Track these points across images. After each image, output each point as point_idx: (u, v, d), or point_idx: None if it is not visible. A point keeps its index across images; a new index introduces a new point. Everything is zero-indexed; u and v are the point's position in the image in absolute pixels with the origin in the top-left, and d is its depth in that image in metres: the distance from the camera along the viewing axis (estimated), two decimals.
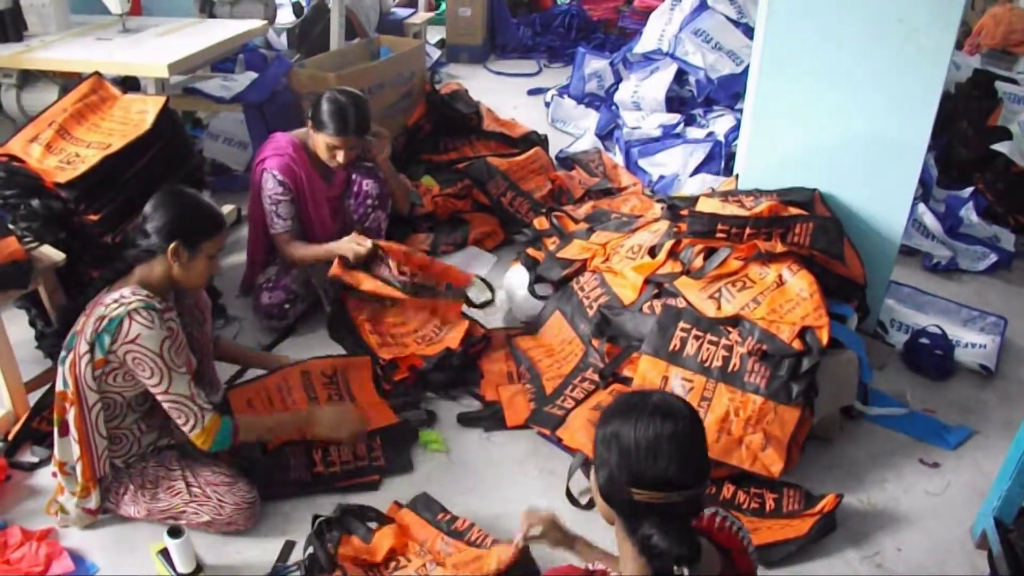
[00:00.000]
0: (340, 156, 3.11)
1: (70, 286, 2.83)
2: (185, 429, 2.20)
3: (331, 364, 2.83)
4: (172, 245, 2.18)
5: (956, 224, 4.14)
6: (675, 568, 1.38)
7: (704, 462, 1.47)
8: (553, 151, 4.80)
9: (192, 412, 2.18)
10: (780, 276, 2.66)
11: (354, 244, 3.05)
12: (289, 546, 2.30)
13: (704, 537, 1.53)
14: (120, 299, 2.12)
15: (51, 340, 2.85)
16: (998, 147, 4.36)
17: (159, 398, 2.17)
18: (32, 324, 2.98)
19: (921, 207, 4.06)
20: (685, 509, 1.43)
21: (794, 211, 2.75)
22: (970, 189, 4.33)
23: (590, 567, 1.49)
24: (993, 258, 3.93)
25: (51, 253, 2.69)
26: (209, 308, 2.62)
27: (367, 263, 3.05)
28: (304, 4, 6.19)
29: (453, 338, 2.98)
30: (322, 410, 2.58)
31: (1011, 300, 3.70)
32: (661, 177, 4.42)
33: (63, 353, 2.21)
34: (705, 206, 2.77)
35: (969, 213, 4.16)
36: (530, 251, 3.35)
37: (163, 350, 2.11)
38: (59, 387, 2.22)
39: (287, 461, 2.54)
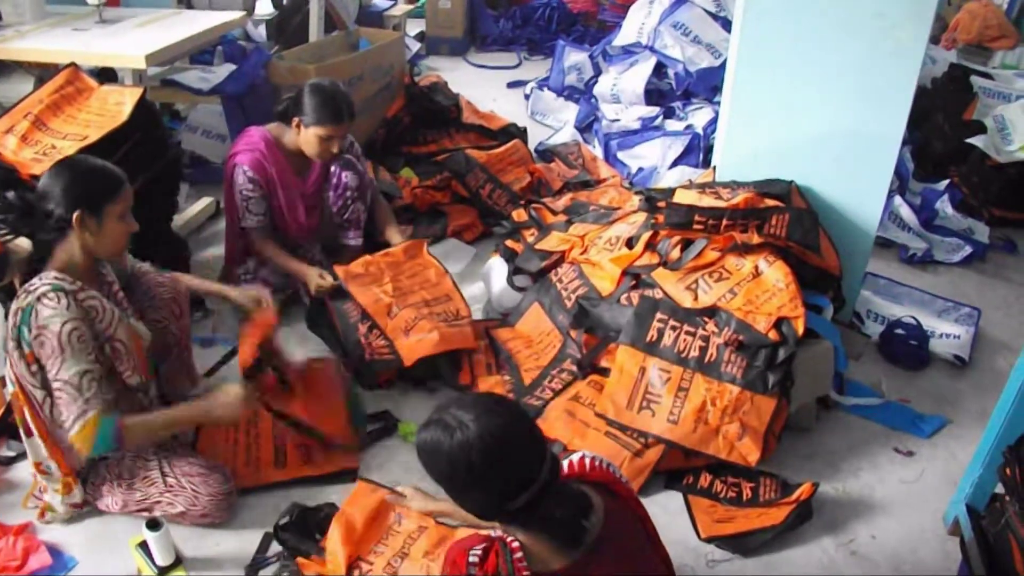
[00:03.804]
0: (334, 146, 3.08)
1: None
2: (66, 427, 2.08)
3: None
4: (75, 216, 2.08)
5: (932, 216, 4.18)
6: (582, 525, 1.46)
7: (535, 431, 1.51)
8: (532, 143, 4.81)
9: (74, 404, 2.06)
10: (756, 267, 2.68)
11: (318, 277, 3.05)
12: (268, 538, 2.29)
13: (580, 482, 1.58)
14: (29, 287, 2.08)
15: None
16: (973, 141, 4.41)
17: (52, 387, 2.08)
18: (7, 318, 2.96)
19: (897, 199, 4.10)
20: (552, 476, 1.46)
21: (771, 203, 2.77)
22: (945, 182, 4.39)
23: (491, 534, 1.52)
24: (968, 250, 3.98)
25: (26, 245, 2.67)
26: (187, 300, 2.59)
27: (332, 296, 3.04)
28: None
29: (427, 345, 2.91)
30: (214, 396, 2.35)
31: (985, 291, 3.74)
32: (640, 169, 4.43)
33: (5, 356, 2.17)
34: (682, 198, 2.78)
35: (944, 206, 4.20)
36: (509, 243, 3.36)
37: (62, 332, 2.03)
38: (8, 389, 2.20)
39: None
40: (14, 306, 2.09)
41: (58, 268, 2.12)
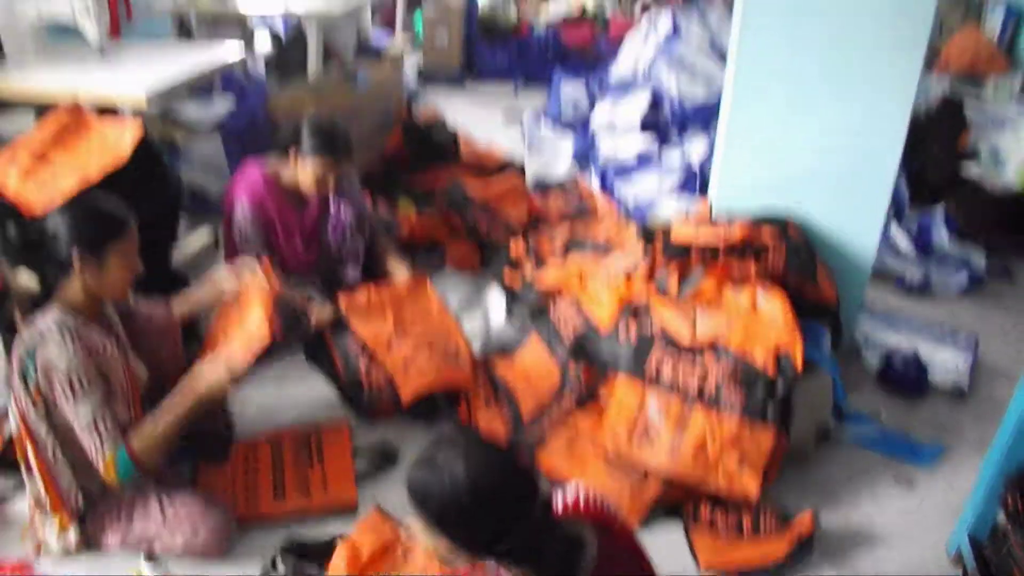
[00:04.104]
0: (330, 180, 3.11)
1: None
2: (96, 464, 2.12)
3: (306, 432, 2.83)
4: (79, 258, 2.10)
5: (928, 244, 4.19)
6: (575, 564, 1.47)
7: (525, 470, 1.52)
8: (529, 175, 4.83)
9: (94, 445, 2.09)
10: (754, 300, 2.69)
11: (318, 311, 3.04)
12: (271, 564, 2.29)
13: (575, 521, 1.59)
14: (35, 326, 2.10)
15: None
16: (967, 169, 4.43)
17: (74, 426, 2.11)
18: (6, 349, 2.96)
19: (894, 228, 4.11)
20: (544, 516, 1.47)
21: (767, 235, 2.79)
22: (941, 210, 4.39)
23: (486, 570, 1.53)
24: (965, 278, 3.99)
25: (27, 280, 2.68)
26: (179, 331, 2.60)
27: (332, 328, 3.03)
28: (282, 31, 6.21)
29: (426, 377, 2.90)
30: (200, 366, 2.32)
31: (983, 319, 3.75)
32: (637, 201, 4.45)
33: (9, 392, 2.18)
34: (679, 231, 2.80)
35: (940, 234, 4.21)
36: (507, 275, 3.37)
37: (71, 371, 2.05)
38: (12, 427, 2.20)
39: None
40: (20, 342, 2.11)
41: (62, 305, 2.14)
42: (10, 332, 2.84)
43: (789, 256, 2.77)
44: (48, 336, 2.06)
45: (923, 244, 4.18)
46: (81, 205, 2.20)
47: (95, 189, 2.78)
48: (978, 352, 3.42)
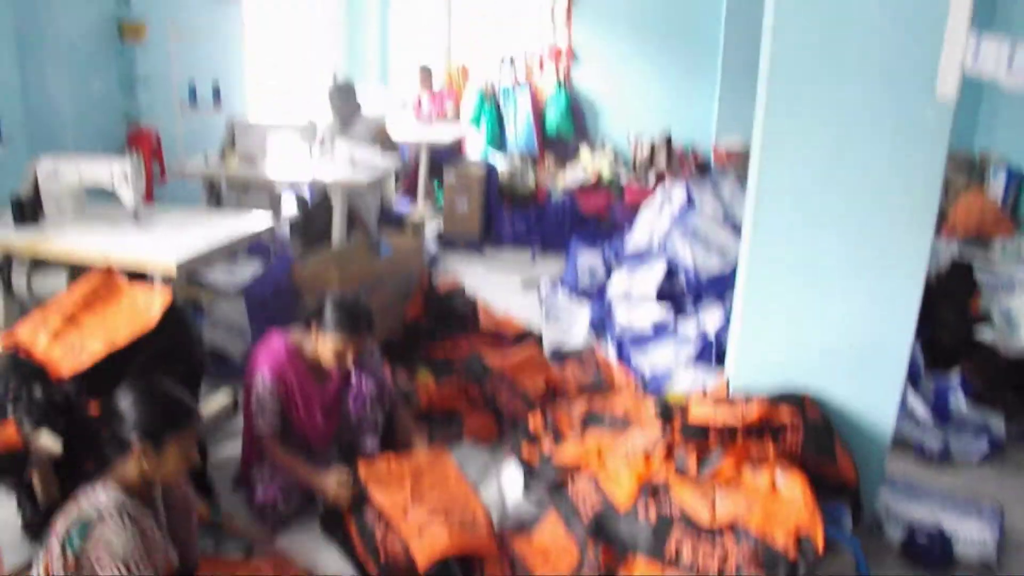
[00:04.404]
0: (349, 358, 3.17)
1: (63, 476, 2.82)
2: None
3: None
4: (139, 442, 2.15)
5: (946, 411, 4.14)
6: None
7: None
8: (547, 344, 4.89)
9: None
10: (773, 480, 2.69)
11: (336, 485, 3.04)
12: None
13: None
14: (93, 499, 2.11)
15: (38, 527, 2.81)
16: (980, 334, 4.44)
17: None
18: (20, 506, 2.95)
19: (910, 395, 4.08)
20: None
21: (784, 415, 2.80)
22: (957, 374, 4.36)
23: None
24: (985, 444, 3.93)
25: (49, 443, 2.70)
26: (197, 512, 2.62)
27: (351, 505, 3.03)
28: (308, 196, 6.43)
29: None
30: None
31: (1007, 488, 3.67)
32: (653, 372, 4.48)
33: (40, 552, 2.18)
34: (697, 411, 2.82)
35: (958, 399, 4.17)
36: (524, 450, 3.36)
37: (127, 555, 2.06)
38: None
39: None
40: (71, 511, 2.12)
41: (117, 483, 2.17)
42: (27, 492, 2.85)
43: (807, 436, 2.77)
44: (107, 516, 2.08)
45: (941, 411, 4.13)
46: (151, 392, 2.26)
47: (120, 353, 2.84)
48: (1004, 522, 3.33)
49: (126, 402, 2.19)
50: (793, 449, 2.75)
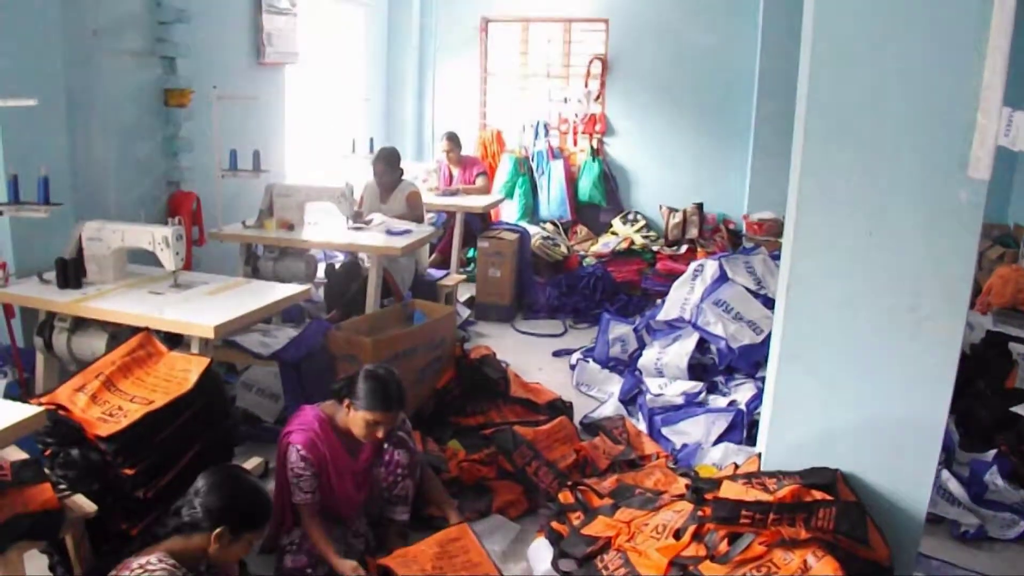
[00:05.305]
0: (380, 432, 3.19)
1: (96, 538, 2.84)
2: None
3: None
4: (218, 529, 2.21)
5: (982, 490, 4.04)
6: None
7: None
8: (577, 415, 4.87)
9: None
10: (805, 562, 2.65)
11: (351, 572, 3.05)
12: None
13: None
14: (146, 567, 2.13)
15: None
16: (1018, 409, 4.36)
17: None
18: (52, 570, 2.97)
19: (945, 473, 4.00)
20: None
21: (817, 495, 2.77)
22: (993, 452, 4.27)
23: None
24: (1022, 524, 3.83)
25: (83, 503, 2.73)
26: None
27: None
28: (343, 261, 6.50)
29: None
30: None
31: None
32: (684, 446, 4.45)
33: None
34: (729, 491, 2.80)
35: (994, 477, 4.07)
36: (554, 524, 3.35)
37: None
38: None
39: None
40: (120, 570, 2.15)
41: (171, 552, 2.22)
42: (60, 552, 2.87)
43: (839, 517, 2.74)
44: None
45: (977, 490, 4.05)
46: (240, 485, 2.33)
47: (157, 416, 2.88)
48: None
49: (217, 488, 2.27)
50: (825, 530, 2.71)
